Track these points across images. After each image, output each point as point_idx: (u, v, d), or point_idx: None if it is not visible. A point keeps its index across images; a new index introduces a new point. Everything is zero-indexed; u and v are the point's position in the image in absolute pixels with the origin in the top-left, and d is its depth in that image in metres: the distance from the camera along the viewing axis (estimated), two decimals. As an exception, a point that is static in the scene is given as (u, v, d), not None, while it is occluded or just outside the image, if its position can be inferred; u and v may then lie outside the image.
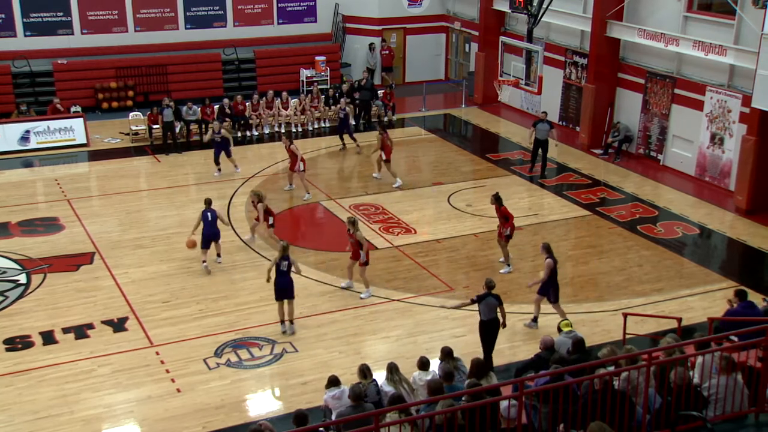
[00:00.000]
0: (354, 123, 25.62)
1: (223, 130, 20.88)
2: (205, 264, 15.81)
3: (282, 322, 13.68)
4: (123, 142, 23.66)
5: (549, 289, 13.59)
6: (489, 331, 12.38)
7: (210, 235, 15.85)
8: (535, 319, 13.86)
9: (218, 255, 16.14)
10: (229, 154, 20.89)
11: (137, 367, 12.64)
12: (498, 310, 12.38)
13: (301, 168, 19.43)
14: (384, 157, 20.34)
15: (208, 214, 15.90)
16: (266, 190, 19.28)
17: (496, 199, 15.79)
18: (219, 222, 16.03)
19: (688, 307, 14.59)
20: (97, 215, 18.59)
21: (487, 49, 26.98)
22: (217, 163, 20.97)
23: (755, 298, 13.86)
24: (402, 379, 10.24)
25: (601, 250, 17.13)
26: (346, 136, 23.19)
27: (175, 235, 17.48)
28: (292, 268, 13.70)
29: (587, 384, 8.58)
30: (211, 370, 12.58)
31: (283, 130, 24.61)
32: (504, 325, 12.54)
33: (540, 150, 21.20)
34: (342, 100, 23.82)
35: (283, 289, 13.60)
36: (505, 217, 15.73)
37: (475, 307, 14.51)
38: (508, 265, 15.99)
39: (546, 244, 13.88)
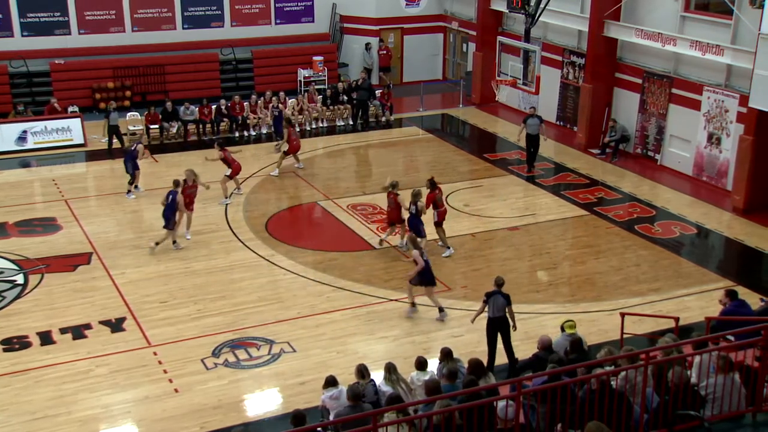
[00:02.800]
0: (351, 123, 25.68)
1: (140, 145, 19.64)
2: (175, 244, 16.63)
3: None
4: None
5: (424, 277, 14.00)
6: (494, 328, 12.42)
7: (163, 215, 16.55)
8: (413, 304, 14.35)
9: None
10: (136, 167, 19.48)
11: (135, 368, 12.63)
12: (507, 309, 12.43)
13: (228, 173, 19.24)
14: (286, 151, 21.00)
15: (169, 195, 16.53)
16: (264, 191, 19.34)
17: (431, 184, 16.54)
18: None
19: (686, 306, 14.60)
20: (94, 215, 18.58)
21: (485, 49, 26.98)
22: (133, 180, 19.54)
23: (753, 297, 13.90)
24: (400, 379, 10.24)
25: (598, 249, 17.14)
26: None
27: (172, 235, 17.49)
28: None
29: (585, 384, 8.59)
30: (208, 371, 12.57)
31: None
32: (514, 327, 12.56)
33: (531, 146, 21.51)
34: (274, 97, 24.13)
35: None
36: (434, 204, 16.36)
37: (475, 306, 14.57)
38: (449, 248, 16.57)
39: (412, 235, 14.86)
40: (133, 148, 19.63)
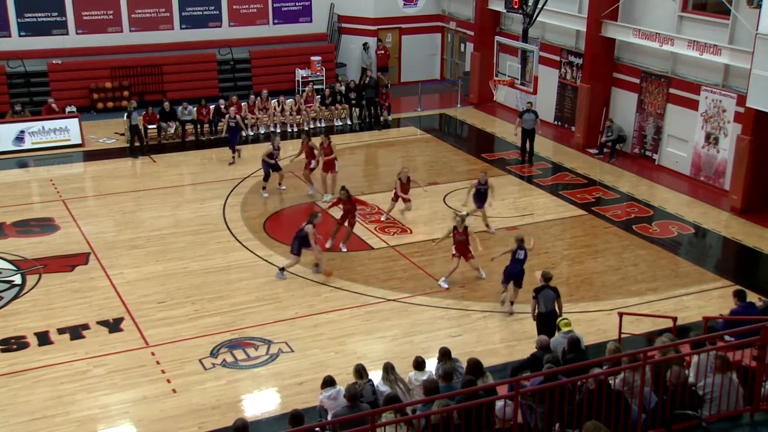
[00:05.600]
0: (355, 122, 25.69)
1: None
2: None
3: None
4: (118, 142, 23.62)
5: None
6: (547, 323, 12.48)
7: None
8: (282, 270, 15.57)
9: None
10: (276, 168, 19.55)
11: (133, 368, 12.62)
12: (555, 302, 12.56)
13: (312, 165, 19.47)
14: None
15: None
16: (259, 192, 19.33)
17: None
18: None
19: (684, 306, 14.61)
20: (92, 215, 18.57)
21: (483, 49, 27.01)
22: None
23: (751, 297, 13.89)
24: (398, 379, 10.23)
25: (596, 249, 17.15)
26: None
27: (170, 235, 17.48)
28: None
29: (583, 383, 8.59)
30: (206, 371, 12.56)
31: (278, 130, 24.58)
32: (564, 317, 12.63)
33: (527, 139, 22.05)
34: (232, 108, 22.37)
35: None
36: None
37: (473, 306, 14.54)
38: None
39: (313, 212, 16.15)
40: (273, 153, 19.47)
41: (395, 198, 18.01)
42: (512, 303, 14.35)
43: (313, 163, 19.50)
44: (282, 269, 15.57)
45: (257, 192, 19.79)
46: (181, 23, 27.98)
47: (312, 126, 25.30)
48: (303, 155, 19.67)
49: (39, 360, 12.81)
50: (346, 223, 16.87)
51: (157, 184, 20.49)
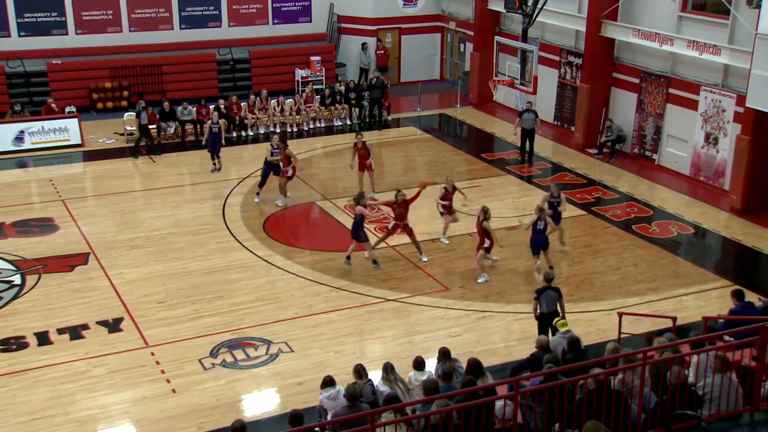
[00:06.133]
0: (354, 121, 25.68)
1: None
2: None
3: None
4: (118, 142, 23.62)
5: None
6: (549, 323, 12.49)
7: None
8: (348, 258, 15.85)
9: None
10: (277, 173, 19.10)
11: (132, 368, 12.62)
12: (558, 303, 12.57)
13: (289, 174, 18.91)
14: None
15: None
16: (262, 191, 19.27)
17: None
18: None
19: (683, 306, 14.61)
20: (92, 216, 18.56)
21: (482, 49, 27.01)
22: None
23: (750, 297, 13.90)
24: (397, 379, 10.23)
25: (596, 249, 17.15)
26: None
27: (170, 235, 17.48)
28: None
29: (582, 383, 8.59)
30: (206, 371, 12.56)
31: (278, 130, 24.59)
32: (563, 318, 12.61)
33: (527, 139, 22.06)
34: (215, 114, 22.04)
35: None
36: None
37: (473, 306, 14.52)
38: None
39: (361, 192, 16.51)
40: None
41: (449, 210, 17.21)
42: (552, 268, 15.01)
43: (290, 171, 18.89)
44: (375, 262, 15.88)
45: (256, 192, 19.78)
46: (181, 23, 27.99)
47: (312, 126, 25.31)
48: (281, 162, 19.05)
49: (39, 360, 12.81)
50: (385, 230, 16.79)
51: (157, 184, 20.49)
